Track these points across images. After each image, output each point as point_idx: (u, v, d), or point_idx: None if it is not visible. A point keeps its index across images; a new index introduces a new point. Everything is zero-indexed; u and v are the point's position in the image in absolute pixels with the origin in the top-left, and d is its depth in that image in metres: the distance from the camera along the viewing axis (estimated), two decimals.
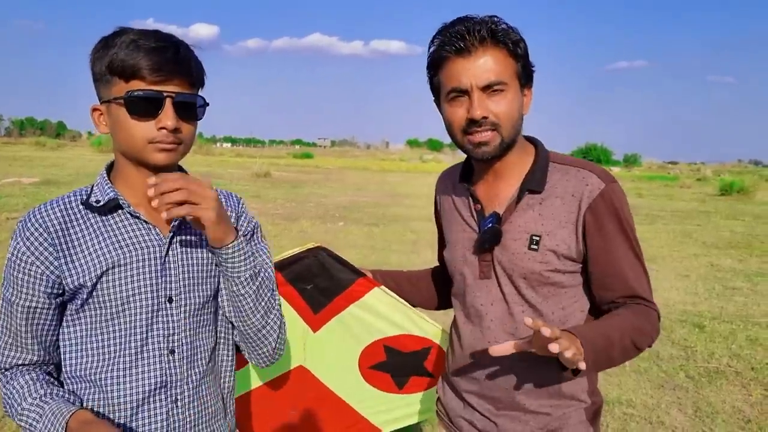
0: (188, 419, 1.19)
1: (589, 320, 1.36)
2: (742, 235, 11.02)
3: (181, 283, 1.17)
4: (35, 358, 1.17)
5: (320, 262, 1.80)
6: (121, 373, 1.13)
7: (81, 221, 1.13)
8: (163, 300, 1.15)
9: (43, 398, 1.11)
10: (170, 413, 1.17)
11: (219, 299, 1.25)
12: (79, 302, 1.12)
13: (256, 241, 1.30)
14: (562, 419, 1.35)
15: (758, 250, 9.50)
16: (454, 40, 1.25)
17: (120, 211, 1.15)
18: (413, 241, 9.13)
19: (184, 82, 1.11)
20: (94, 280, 1.10)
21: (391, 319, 1.82)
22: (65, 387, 1.18)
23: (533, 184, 1.32)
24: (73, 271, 1.10)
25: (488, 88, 1.25)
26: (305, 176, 23.81)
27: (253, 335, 1.23)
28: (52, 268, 1.10)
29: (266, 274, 1.23)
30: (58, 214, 1.12)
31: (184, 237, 1.19)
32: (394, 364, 1.88)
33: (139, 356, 1.14)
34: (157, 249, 1.15)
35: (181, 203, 1.05)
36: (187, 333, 1.18)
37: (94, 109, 1.15)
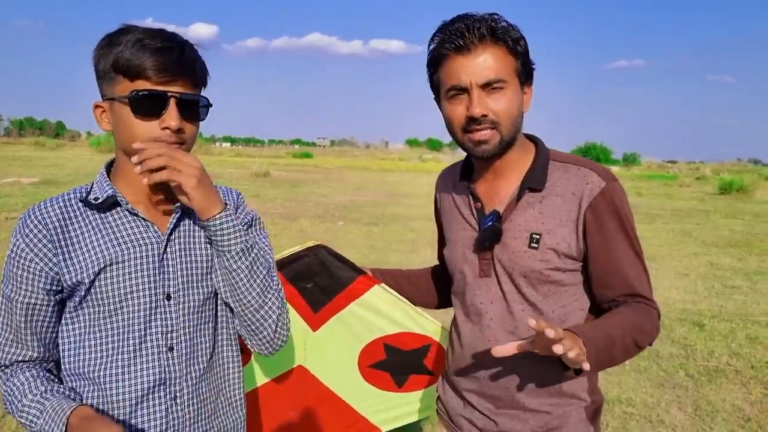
0: (187, 416, 1.19)
1: (589, 319, 1.36)
2: (742, 234, 11.02)
3: (180, 281, 1.17)
4: (35, 355, 1.17)
5: (320, 261, 1.80)
6: (120, 370, 1.13)
7: (80, 218, 1.14)
8: (161, 297, 1.15)
9: (43, 395, 1.11)
10: (169, 410, 1.17)
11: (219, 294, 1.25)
12: (77, 299, 1.13)
13: (255, 232, 1.29)
14: (562, 418, 1.35)
15: (757, 248, 9.50)
16: (453, 37, 1.25)
17: (118, 209, 1.15)
18: (413, 240, 9.13)
19: (188, 82, 1.11)
20: (92, 277, 1.11)
21: (391, 317, 1.82)
22: (65, 384, 1.18)
23: (533, 182, 1.32)
24: (71, 268, 1.11)
25: (488, 86, 1.25)
26: (304, 176, 23.81)
27: (251, 316, 1.20)
28: (51, 264, 1.11)
29: (262, 253, 1.21)
30: (57, 212, 1.13)
31: (182, 234, 1.19)
32: (394, 362, 1.88)
33: (138, 353, 1.14)
34: (155, 246, 1.15)
35: (162, 169, 1.06)
36: (187, 330, 1.18)
37: (97, 106, 1.15)
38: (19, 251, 1.11)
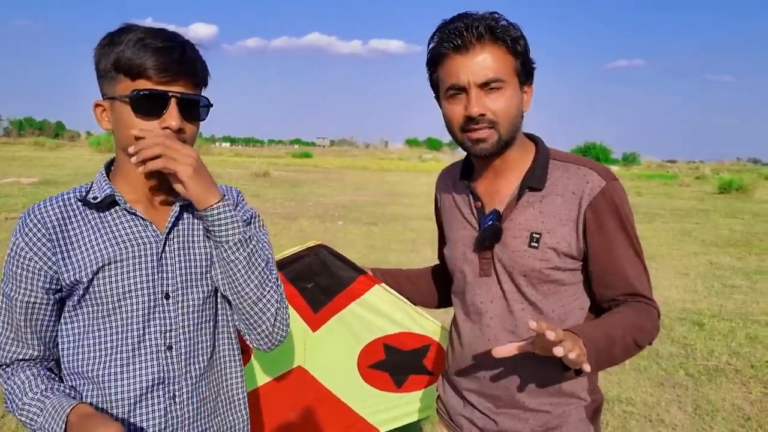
0: (186, 415, 1.19)
1: (589, 318, 1.36)
2: (741, 233, 11.03)
3: (178, 279, 1.17)
4: (36, 354, 1.18)
5: (321, 261, 1.80)
6: (118, 369, 1.13)
7: (79, 218, 1.14)
8: (159, 296, 1.15)
9: (43, 393, 1.12)
10: (168, 409, 1.17)
11: (218, 291, 1.25)
12: (76, 298, 1.13)
13: (254, 229, 1.29)
14: (561, 417, 1.35)
15: (757, 248, 9.51)
16: (452, 36, 1.25)
17: (117, 208, 1.16)
18: (412, 240, 9.13)
19: (189, 82, 1.11)
20: (90, 276, 1.11)
21: (392, 317, 1.82)
22: (65, 383, 1.18)
23: (534, 181, 1.32)
24: (69, 267, 1.11)
25: (486, 86, 1.25)
26: (304, 176, 23.81)
27: (248, 309, 1.19)
28: (50, 263, 1.11)
29: (260, 246, 1.21)
30: (57, 211, 1.13)
31: (181, 233, 1.19)
32: (393, 362, 1.88)
33: (136, 353, 1.14)
34: (154, 245, 1.15)
35: (158, 158, 1.06)
36: (186, 329, 1.18)
37: (97, 105, 1.15)
38: (18, 250, 1.12)
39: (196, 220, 1.22)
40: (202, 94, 1.17)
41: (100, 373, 1.13)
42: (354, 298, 1.80)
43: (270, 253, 1.27)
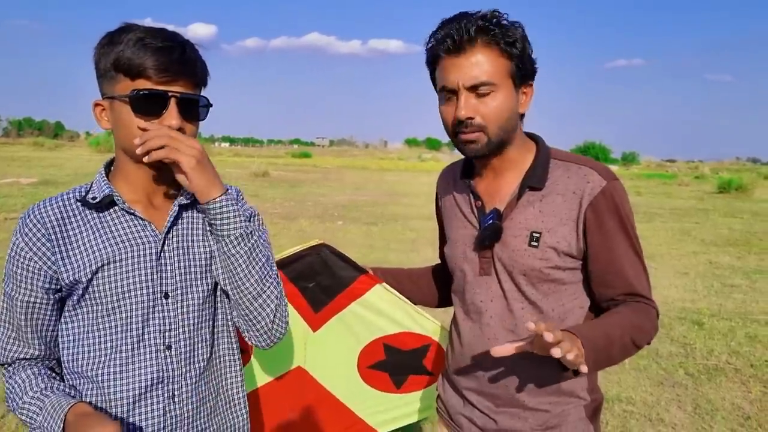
0: (186, 415, 1.19)
1: (589, 317, 1.36)
2: (741, 233, 11.04)
3: (177, 279, 1.17)
4: (37, 353, 1.18)
5: (323, 260, 1.79)
6: (118, 369, 1.14)
7: (78, 218, 1.14)
8: (159, 296, 1.15)
9: (43, 392, 1.12)
10: (167, 409, 1.17)
11: (218, 290, 1.25)
12: (75, 298, 1.13)
13: (255, 225, 1.29)
14: (561, 416, 1.35)
15: (756, 247, 9.51)
16: (444, 38, 1.25)
17: (116, 208, 1.16)
18: (412, 239, 9.13)
19: (188, 82, 1.11)
20: (89, 276, 1.11)
21: (392, 317, 1.82)
22: (66, 382, 1.19)
23: (534, 180, 1.32)
24: (69, 267, 1.11)
25: (475, 89, 1.25)
26: (304, 175, 23.81)
27: (248, 304, 1.19)
28: (49, 263, 1.11)
29: (261, 241, 1.21)
30: (56, 211, 1.14)
31: (180, 232, 1.20)
32: (393, 363, 1.88)
33: (136, 352, 1.14)
34: (153, 245, 1.15)
35: (162, 148, 1.07)
36: (185, 329, 1.18)
37: (96, 104, 1.15)
38: (18, 250, 1.12)
39: (195, 220, 1.22)
40: (202, 93, 1.17)
41: (100, 372, 1.14)
42: (355, 298, 1.80)
43: (270, 253, 1.27)
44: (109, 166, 1.21)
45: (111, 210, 1.16)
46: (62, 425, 1.03)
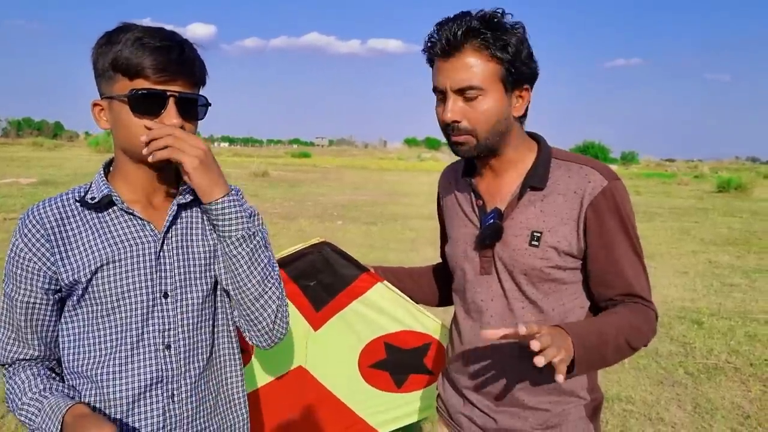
0: (185, 414, 1.19)
1: (589, 317, 1.36)
2: (740, 232, 11.04)
3: (177, 279, 1.17)
4: (36, 353, 1.18)
5: (324, 258, 1.79)
6: (117, 368, 1.14)
7: (77, 218, 1.14)
8: (158, 296, 1.15)
9: (42, 393, 1.12)
10: (166, 408, 1.17)
11: (218, 289, 1.25)
12: (75, 299, 1.13)
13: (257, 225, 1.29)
14: (561, 415, 1.35)
15: (756, 246, 9.52)
16: (435, 41, 1.25)
17: (114, 208, 1.16)
18: (412, 239, 9.13)
19: (187, 81, 1.11)
20: (89, 276, 1.11)
21: (393, 315, 1.82)
22: (66, 382, 1.19)
23: (535, 180, 1.32)
24: (68, 267, 1.11)
25: (463, 92, 1.25)
26: (303, 175, 23.81)
27: (250, 304, 1.19)
28: (48, 264, 1.11)
29: (264, 243, 1.21)
30: (55, 212, 1.14)
31: (179, 232, 1.19)
32: (394, 361, 1.88)
33: (135, 352, 1.14)
34: (152, 245, 1.15)
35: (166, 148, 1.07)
36: (185, 328, 1.18)
37: (95, 104, 1.15)
38: (18, 251, 1.12)
39: (194, 219, 1.22)
40: (201, 93, 1.17)
41: (99, 372, 1.14)
42: (356, 296, 1.80)
43: (271, 253, 1.27)
44: (108, 166, 1.21)
45: (110, 210, 1.16)
46: (60, 426, 1.03)
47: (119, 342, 1.14)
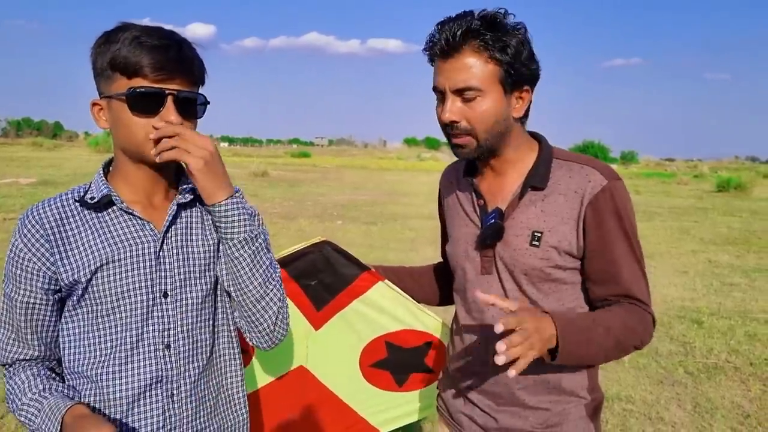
0: (185, 414, 1.19)
1: None
2: (740, 231, 11.05)
3: (177, 278, 1.17)
4: (37, 354, 1.18)
5: (325, 257, 1.79)
6: (117, 368, 1.14)
7: (76, 218, 1.14)
8: (158, 295, 1.15)
9: (41, 393, 1.12)
10: (166, 408, 1.17)
11: (218, 289, 1.25)
12: (75, 299, 1.13)
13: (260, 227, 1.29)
14: (562, 415, 1.35)
15: (756, 246, 9.52)
16: (436, 41, 1.25)
17: (114, 208, 1.15)
18: (411, 239, 9.13)
19: (185, 80, 1.11)
20: (89, 276, 1.11)
21: (394, 314, 1.82)
22: (66, 382, 1.19)
23: (536, 180, 1.32)
24: (67, 267, 1.11)
25: (461, 93, 1.25)
26: (303, 175, 23.81)
27: (251, 306, 1.20)
28: (48, 264, 1.11)
29: (266, 245, 1.21)
30: (54, 212, 1.13)
31: (179, 232, 1.19)
32: (395, 360, 1.88)
33: (135, 351, 1.14)
34: (151, 244, 1.15)
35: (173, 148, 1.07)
36: (184, 328, 1.18)
37: (94, 104, 1.15)
38: (17, 251, 1.12)
39: (194, 219, 1.22)
40: (200, 92, 1.17)
41: (99, 372, 1.14)
42: (357, 296, 1.80)
43: (271, 254, 1.27)
44: (107, 166, 1.21)
45: (109, 210, 1.15)
46: (60, 427, 1.03)
47: (119, 342, 1.14)
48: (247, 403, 1.34)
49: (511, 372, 1.07)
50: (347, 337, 1.85)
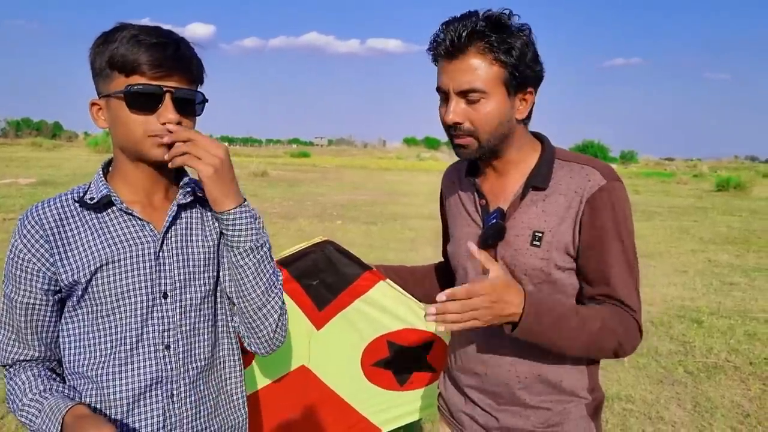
0: (185, 414, 1.19)
1: None
2: (739, 231, 11.05)
3: (176, 279, 1.17)
4: (37, 354, 1.18)
5: (327, 257, 1.79)
6: (117, 369, 1.14)
7: (76, 218, 1.14)
8: (157, 296, 1.15)
9: (42, 394, 1.12)
10: (166, 408, 1.17)
11: (218, 290, 1.25)
12: (75, 299, 1.13)
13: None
14: (562, 414, 1.35)
15: (755, 245, 9.53)
16: (439, 41, 1.25)
17: (114, 208, 1.15)
18: (411, 239, 9.13)
19: (183, 78, 1.11)
20: (88, 277, 1.11)
21: (395, 313, 1.82)
22: (67, 382, 1.19)
23: (538, 180, 1.32)
24: (67, 268, 1.11)
25: (465, 94, 1.24)
26: (302, 175, 23.80)
27: (252, 313, 1.20)
28: (48, 265, 1.11)
29: (270, 254, 1.22)
30: (54, 212, 1.13)
31: (179, 232, 1.19)
32: (397, 359, 1.88)
33: (135, 352, 1.14)
34: (151, 245, 1.15)
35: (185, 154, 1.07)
36: (184, 329, 1.18)
37: (93, 104, 1.14)
38: (17, 252, 1.12)
39: (194, 220, 1.22)
40: (199, 90, 1.17)
41: (100, 372, 1.14)
42: (358, 295, 1.80)
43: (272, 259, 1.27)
44: (107, 166, 1.21)
45: (109, 210, 1.15)
46: (60, 427, 1.03)
47: (119, 342, 1.14)
48: (246, 403, 1.34)
49: (434, 326, 1.14)
50: (349, 337, 1.85)
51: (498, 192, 1.38)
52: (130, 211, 1.15)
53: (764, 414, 3.59)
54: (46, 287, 1.12)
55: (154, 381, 1.15)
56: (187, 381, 1.19)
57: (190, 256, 1.20)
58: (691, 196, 19.48)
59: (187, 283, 1.19)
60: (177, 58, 1.09)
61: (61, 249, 1.12)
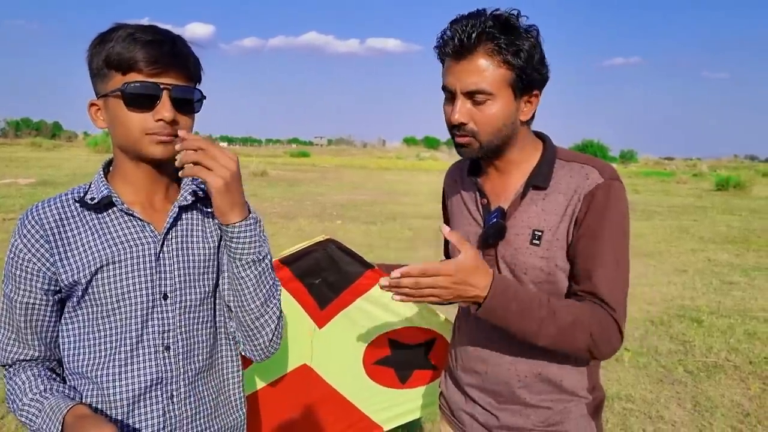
0: (185, 415, 1.19)
1: None
2: (739, 230, 11.05)
3: (176, 280, 1.17)
4: (37, 354, 1.18)
5: (329, 256, 1.79)
6: (117, 369, 1.13)
7: (76, 219, 1.14)
8: (157, 297, 1.15)
9: (42, 394, 1.11)
10: (166, 409, 1.17)
11: (218, 291, 1.25)
12: (75, 299, 1.13)
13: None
14: (563, 413, 1.35)
15: (755, 244, 9.53)
16: (449, 40, 1.24)
17: (114, 209, 1.15)
18: (411, 238, 9.13)
19: (181, 75, 1.10)
20: (89, 277, 1.11)
21: (397, 312, 1.82)
22: (67, 383, 1.19)
23: (538, 179, 1.32)
24: (67, 268, 1.11)
25: (472, 95, 1.24)
26: (302, 175, 23.80)
27: (250, 323, 1.20)
28: (48, 265, 1.11)
29: (271, 265, 1.22)
30: (54, 212, 1.13)
31: (179, 233, 1.19)
32: (398, 358, 1.88)
33: (135, 353, 1.14)
34: (151, 246, 1.15)
35: (196, 163, 1.05)
36: (183, 329, 1.18)
37: (92, 104, 1.14)
38: (17, 252, 1.12)
39: (194, 221, 1.22)
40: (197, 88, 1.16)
41: (100, 373, 1.13)
42: (360, 294, 1.80)
43: (272, 264, 1.27)
44: (107, 167, 1.20)
45: (109, 211, 1.15)
46: (60, 427, 1.03)
47: (119, 343, 1.13)
48: (245, 403, 1.34)
49: (396, 297, 1.16)
50: (351, 335, 1.85)
51: (499, 191, 1.38)
52: (130, 212, 1.14)
53: (764, 413, 3.59)
54: (46, 287, 1.12)
55: (154, 382, 1.15)
56: (186, 381, 1.19)
57: (191, 258, 1.19)
58: (690, 195, 19.50)
59: (187, 284, 1.19)
60: (173, 55, 1.08)
61: (62, 249, 1.11)
